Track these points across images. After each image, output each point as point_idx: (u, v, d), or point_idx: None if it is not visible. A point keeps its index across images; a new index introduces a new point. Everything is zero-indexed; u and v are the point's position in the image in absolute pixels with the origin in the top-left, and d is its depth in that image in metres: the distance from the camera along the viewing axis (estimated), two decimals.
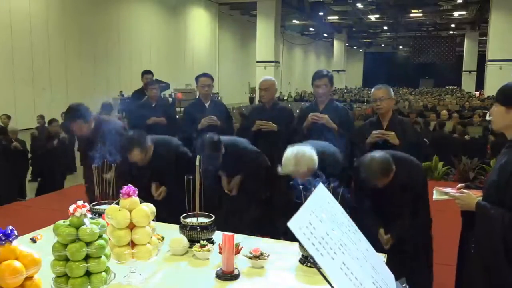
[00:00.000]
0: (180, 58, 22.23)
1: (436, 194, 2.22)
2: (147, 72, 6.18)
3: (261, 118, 4.11)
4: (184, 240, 2.19)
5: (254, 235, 2.55)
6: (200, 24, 24.19)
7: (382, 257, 2.00)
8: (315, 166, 2.69)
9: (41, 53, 14.99)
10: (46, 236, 2.28)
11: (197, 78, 4.56)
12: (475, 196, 2.09)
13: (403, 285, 1.37)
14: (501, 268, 1.91)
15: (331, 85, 3.86)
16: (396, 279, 1.40)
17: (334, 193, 1.99)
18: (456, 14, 24.39)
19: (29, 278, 1.48)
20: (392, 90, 3.54)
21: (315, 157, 2.72)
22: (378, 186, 2.70)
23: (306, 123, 3.75)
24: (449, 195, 2.16)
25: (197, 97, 5.37)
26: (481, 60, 22.94)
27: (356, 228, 1.38)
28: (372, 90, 3.58)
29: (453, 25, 29.59)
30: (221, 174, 3.47)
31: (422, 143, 4.22)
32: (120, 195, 1.83)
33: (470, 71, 29.22)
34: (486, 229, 1.98)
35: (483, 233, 1.99)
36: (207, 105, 4.50)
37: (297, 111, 6.88)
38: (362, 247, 1.31)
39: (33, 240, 2.28)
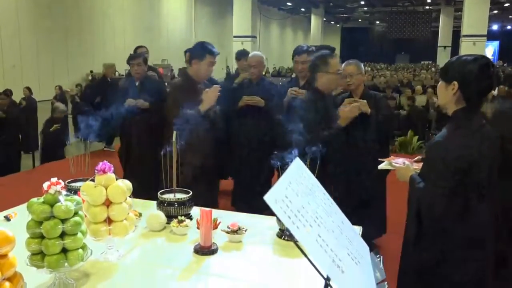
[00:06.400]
0: (155, 33, 21.76)
1: (382, 164, 2.24)
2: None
3: (248, 93, 4.07)
4: (161, 216, 2.19)
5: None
6: None
7: (357, 229, 2.04)
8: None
9: (10, 29, 14.47)
10: (21, 214, 2.24)
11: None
12: (413, 169, 2.10)
13: (377, 256, 1.40)
14: (411, 242, 2.02)
15: None
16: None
17: (312, 164, 2.02)
18: None
19: (3, 256, 1.46)
20: (362, 66, 3.54)
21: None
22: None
23: (286, 97, 3.76)
24: (391, 166, 2.18)
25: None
26: (456, 35, 23.13)
27: (332, 201, 1.40)
28: (343, 65, 3.54)
29: (429, 0, 29.68)
30: None
31: (394, 116, 4.31)
32: (95, 171, 1.80)
33: (445, 47, 29.46)
34: (410, 201, 2.03)
35: (409, 204, 2.05)
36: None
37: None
38: (337, 219, 1.33)
39: (7, 218, 2.24)
